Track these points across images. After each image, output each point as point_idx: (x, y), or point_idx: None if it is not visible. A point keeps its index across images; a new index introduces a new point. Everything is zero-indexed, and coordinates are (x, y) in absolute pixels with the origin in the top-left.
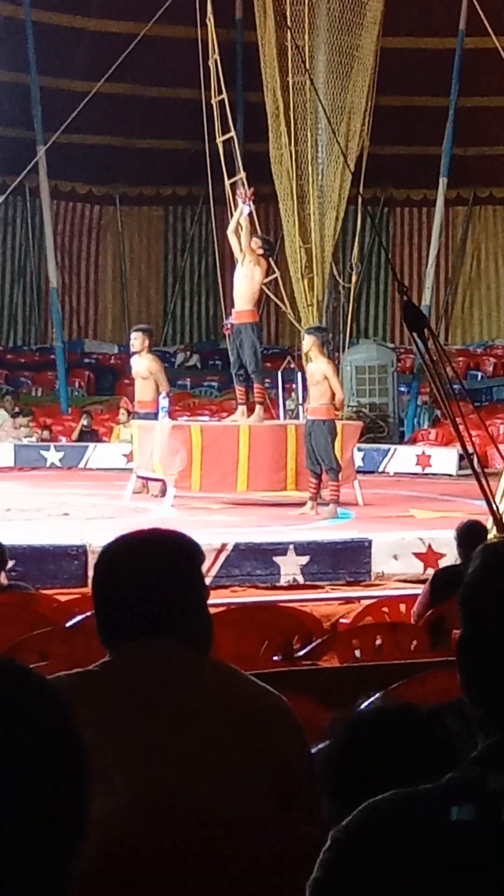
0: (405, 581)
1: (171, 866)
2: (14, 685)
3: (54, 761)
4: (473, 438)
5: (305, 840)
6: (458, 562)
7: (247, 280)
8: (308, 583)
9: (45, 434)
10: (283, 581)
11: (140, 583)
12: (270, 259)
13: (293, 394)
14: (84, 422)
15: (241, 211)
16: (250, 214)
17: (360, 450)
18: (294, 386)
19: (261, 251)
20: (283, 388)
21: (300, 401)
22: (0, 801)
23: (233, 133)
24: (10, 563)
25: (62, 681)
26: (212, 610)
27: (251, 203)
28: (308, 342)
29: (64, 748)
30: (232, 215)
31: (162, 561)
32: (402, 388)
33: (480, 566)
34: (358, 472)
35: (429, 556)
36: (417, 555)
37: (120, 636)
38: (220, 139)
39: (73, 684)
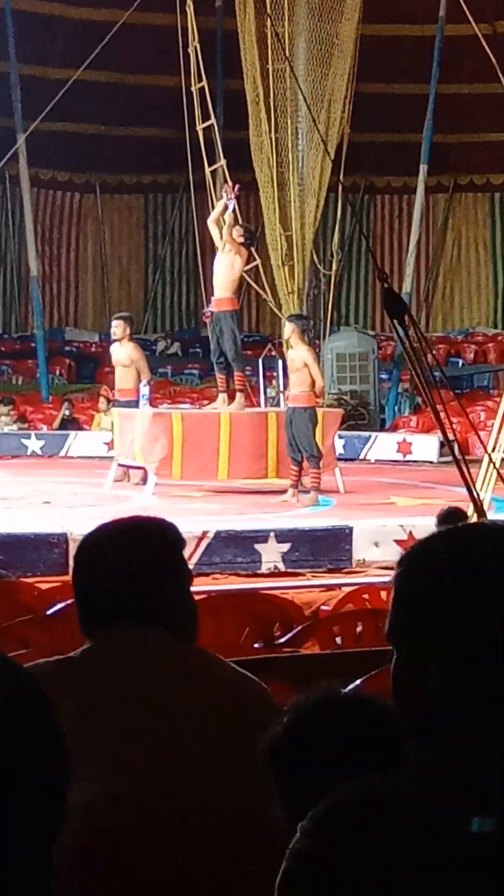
0: (386, 568)
1: (151, 855)
2: None
3: (34, 748)
4: (454, 425)
5: (283, 827)
6: None
7: (227, 268)
8: (289, 570)
9: (22, 423)
10: (264, 568)
11: (121, 569)
12: (252, 248)
13: (274, 381)
14: (65, 410)
15: (226, 207)
16: (234, 210)
17: (340, 437)
18: (275, 373)
19: (241, 240)
20: (264, 376)
21: (281, 388)
22: None
23: (213, 120)
24: None
25: (42, 668)
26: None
27: (235, 198)
28: (288, 329)
29: (43, 734)
30: (213, 204)
31: (143, 547)
32: (383, 376)
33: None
34: (339, 459)
35: (410, 544)
36: (398, 542)
37: (101, 623)
38: (200, 127)
39: (54, 671)
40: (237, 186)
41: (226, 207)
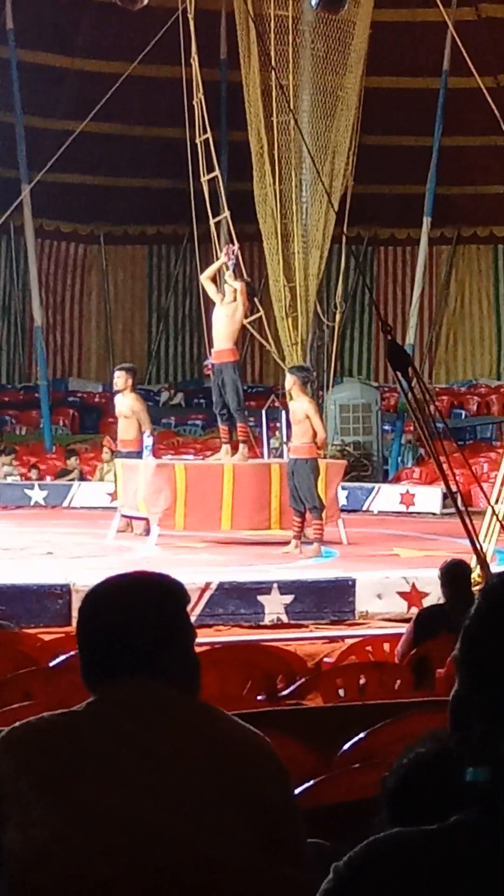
0: (389, 620)
1: None
2: None
3: None
4: (457, 477)
5: (289, 882)
6: (442, 601)
7: (226, 319)
8: (292, 622)
9: (34, 473)
10: (267, 620)
11: (126, 623)
12: (254, 300)
13: (277, 432)
14: (73, 464)
15: (226, 266)
16: (236, 266)
17: (344, 488)
18: (278, 425)
19: (242, 293)
20: (268, 427)
21: (284, 439)
22: None
23: (217, 172)
24: None
25: (45, 721)
26: (195, 649)
27: (235, 258)
28: (289, 381)
29: None
30: (217, 255)
31: (147, 602)
32: (387, 427)
33: (487, 610)
34: (342, 510)
35: (413, 595)
36: (401, 594)
37: (105, 677)
38: (204, 178)
39: (58, 725)
40: (236, 248)
41: (224, 267)
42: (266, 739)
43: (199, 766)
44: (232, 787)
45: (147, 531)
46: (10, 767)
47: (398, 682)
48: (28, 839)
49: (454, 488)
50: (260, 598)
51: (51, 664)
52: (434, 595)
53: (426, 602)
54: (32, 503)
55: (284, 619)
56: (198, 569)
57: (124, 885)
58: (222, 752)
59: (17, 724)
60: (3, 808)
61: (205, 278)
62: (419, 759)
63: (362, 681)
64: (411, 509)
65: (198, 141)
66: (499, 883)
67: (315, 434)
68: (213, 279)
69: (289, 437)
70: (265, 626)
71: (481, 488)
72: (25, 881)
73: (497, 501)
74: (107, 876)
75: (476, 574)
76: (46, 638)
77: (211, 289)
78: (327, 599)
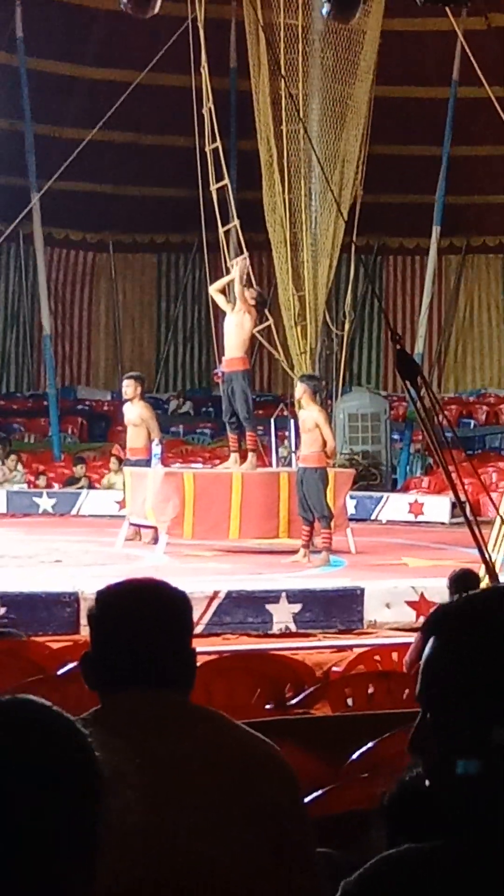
0: (397, 629)
1: None
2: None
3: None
4: (466, 487)
5: (299, 892)
6: None
7: (237, 328)
8: (300, 631)
9: (41, 481)
10: (275, 629)
11: (137, 633)
12: (265, 309)
13: (286, 441)
14: (80, 472)
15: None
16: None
17: (352, 497)
18: (287, 433)
19: (253, 302)
20: (276, 436)
21: (293, 448)
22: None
23: (226, 181)
24: (2, 610)
25: None
26: (204, 658)
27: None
28: (300, 390)
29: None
30: (226, 264)
31: (162, 612)
32: (395, 436)
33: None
34: (350, 519)
35: (421, 605)
36: (410, 603)
37: (115, 684)
38: (213, 187)
39: None
40: (246, 257)
41: (238, 280)
42: (274, 746)
43: (208, 774)
44: (241, 795)
45: (155, 539)
46: None
47: (406, 691)
48: None
49: (463, 498)
50: (268, 606)
51: (59, 672)
52: None
53: None
54: (41, 511)
55: (293, 627)
56: (206, 577)
57: (131, 892)
58: (231, 760)
59: None
60: None
61: (213, 290)
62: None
63: (370, 690)
64: (420, 518)
65: (207, 150)
66: None
67: (324, 443)
68: (223, 290)
69: (298, 446)
70: (273, 635)
71: (490, 498)
72: None
73: None
74: (115, 885)
75: (485, 584)
76: (55, 646)
77: (220, 299)
78: (336, 608)
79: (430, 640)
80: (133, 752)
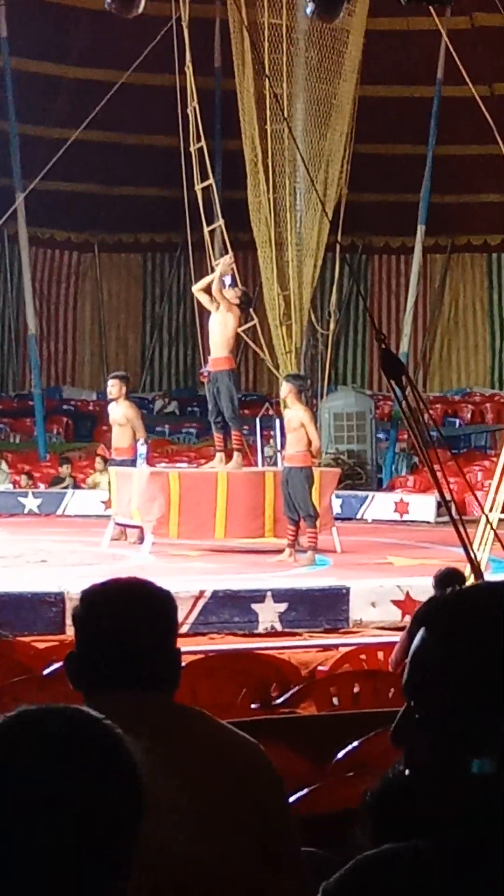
0: (383, 628)
1: None
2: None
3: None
4: (451, 486)
5: (285, 891)
6: None
7: (221, 327)
8: (286, 630)
9: (27, 481)
10: (260, 628)
11: (127, 632)
12: (249, 308)
13: (271, 441)
14: (65, 472)
15: (223, 283)
16: (232, 278)
17: (338, 497)
18: (272, 433)
19: (237, 301)
20: (262, 435)
21: (278, 448)
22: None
23: (211, 180)
24: None
25: None
26: (189, 657)
27: (233, 277)
28: (285, 389)
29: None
30: (211, 264)
31: (147, 611)
32: (381, 435)
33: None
34: (336, 519)
35: (407, 604)
36: (395, 602)
37: (100, 684)
38: (198, 186)
39: None
40: (231, 257)
41: (222, 283)
42: (260, 747)
43: (194, 773)
44: (227, 794)
45: (141, 539)
46: None
47: (392, 690)
48: None
49: (448, 497)
50: (254, 606)
51: (44, 672)
52: None
53: None
54: (26, 511)
55: (278, 627)
56: (192, 577)
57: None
58: (216, 759)
59: None
60: None
61: (197, 290)
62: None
63: (356, 689)
64: (405, 518)
65: (192, 149)
66: None
67: (310, 442)
68: (206, 290)
69: (283, 446)
70: (259, 635)
71: (475, 497)
72: None
73: (491, 510)
74: None
75: (470, 583)
76: (40, 646)
77: (204, 298)
78: (321, 608)
79: (421, 632)
80: None
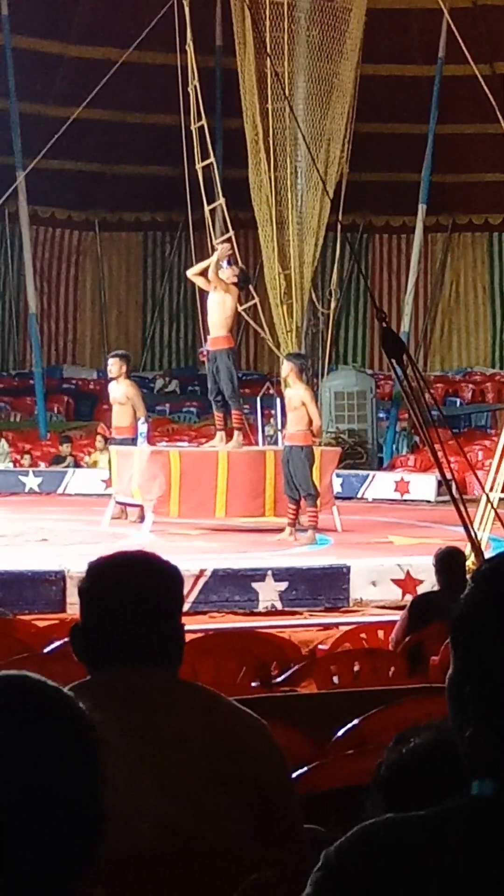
0: (383, 607)
1: (140, 887)
2: (36, 698)
3: (71, 767)
4: (452, 465)
5: (286, 867)
6: (437, 588)
7: (219, 307)
8: (286, 609)
9: (26, 460)
10: (261, 607)
11: (132, 606)
12: (249, 286)
13: (272, 420)
14: (66, 450)
15: (221, 267)
16: (230, 257)
17: (338, 476)
18: (273, 412)
19: (234, 279)
20: (262, 414)
21: (279, 427)
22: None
23: (212, 159)
24: None
25: None
26: (190, 636)
27: (231, 262)
28: (286, 368)
29: (78, 755)
30: (212, 242)
31: (153, 585)
32: (381, 415)
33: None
34: (336, 498)
35: (407, 583)
36: (396, 581)
37: (103, 657)
38: (199, 165)
39: None
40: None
41: (221, 268)
42: (262, 721)
43: (195, 747)
44: (229, 768)
45: (141, 518)
46: None
47: (392, 669)
48: None
49: (449, 476)
50: (254, 585)
51: (45, 650)
52: (428, 582)
53: (420, 589)
54: (27, 490)
55: (279, 606)
56: (192, 556)
57: (116, 865)
58: (219, 733)
59: None
60: None
61: (192, 274)
62: (418, 749)
63: (356, 668)
64: (406, 497)
65: (193, 128)
66: (493, 869)
67: (310, 421)
68: (202, 273)
69: (284, 425)
70: (259, 613)
71: (476, 476)
72: None
73: (492, 489)
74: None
75: (470, 562)
76: (41, 624)
77: (199, 281)
78: (322, 586)
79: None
80: (119, 723)
